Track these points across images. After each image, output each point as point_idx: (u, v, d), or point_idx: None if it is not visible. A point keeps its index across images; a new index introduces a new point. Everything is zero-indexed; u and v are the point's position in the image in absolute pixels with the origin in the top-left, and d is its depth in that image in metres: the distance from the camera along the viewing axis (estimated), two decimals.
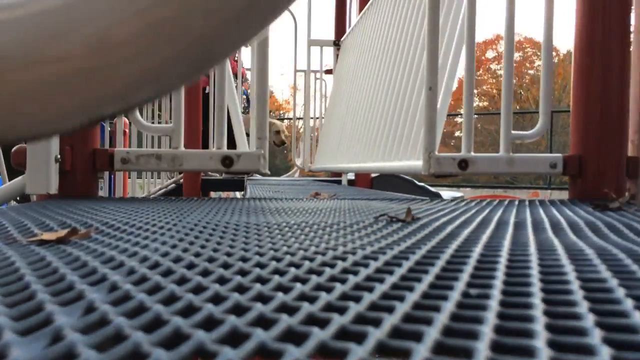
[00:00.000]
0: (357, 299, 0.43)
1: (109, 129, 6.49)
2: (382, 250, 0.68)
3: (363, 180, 5.06)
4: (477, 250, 0.68)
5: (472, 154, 1.76)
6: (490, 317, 0.38)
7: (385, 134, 2.75)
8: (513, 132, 1.79)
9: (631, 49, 1.78)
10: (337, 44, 5.64)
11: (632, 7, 1.78)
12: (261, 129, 1.74)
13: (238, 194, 4.34)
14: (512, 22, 1.80)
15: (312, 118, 6.22)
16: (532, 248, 0.70)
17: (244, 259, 0.62)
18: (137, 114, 1.75)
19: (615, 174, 1.73)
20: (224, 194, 5.70)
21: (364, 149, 3.25)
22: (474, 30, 1.75)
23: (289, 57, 5.78)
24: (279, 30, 6.00)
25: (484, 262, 0.60)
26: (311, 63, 5.71)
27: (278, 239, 0.79)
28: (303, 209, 1.35)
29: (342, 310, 0.40)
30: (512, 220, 1.09)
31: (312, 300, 0.43)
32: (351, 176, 4.92)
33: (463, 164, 1.74)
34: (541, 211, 1.30)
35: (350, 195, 2.42)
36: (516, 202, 1.61)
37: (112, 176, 5.25)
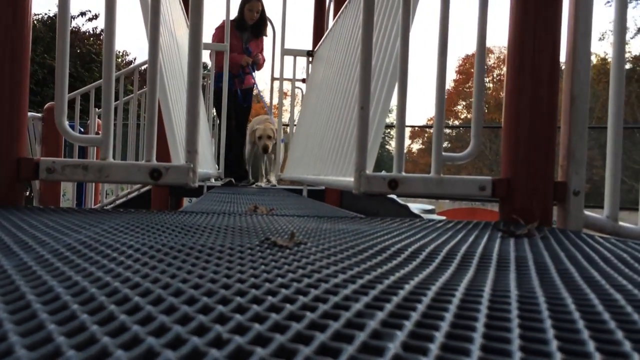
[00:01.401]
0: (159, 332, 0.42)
1: (82, 130, 6.43)
2: (228, 279, 0.67)
3: (331, 192, 5.06)
4: (336, 281, 0.67)
5: (403, 174, 1.76)
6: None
7: (335, 148, 2.75)
8: (444, 154, 1.80)
9: (562, 76, 1.80)
10: (310, 54, 5.65)
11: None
12: (191, 142, 1.73)
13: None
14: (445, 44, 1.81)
15: (285, 125, 6.21)
16: (385, 282, 0.70)
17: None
18: (66, 124, 1.71)
19: (542, 198, 1.75)
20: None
21: (319, 161, 3.25)
22: (407, 55, 1.76)
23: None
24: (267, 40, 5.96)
25: (319, 299, 0.59)
26: (292, 72, 5.72)
27: (141, 262, 0.78)
28: (213, 227, 1.34)
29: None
30: (409, 249, 1.09)
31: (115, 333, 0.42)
32: (322, 187, 4.91)
33: (393, 183, 1.74)
34: (445, 238, 1.31)
35: (291, 209, 2.41)
36: (438, 225, 1.61)
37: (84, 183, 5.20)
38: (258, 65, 5.88)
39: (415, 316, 0.54)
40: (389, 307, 0.57)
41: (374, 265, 0.86)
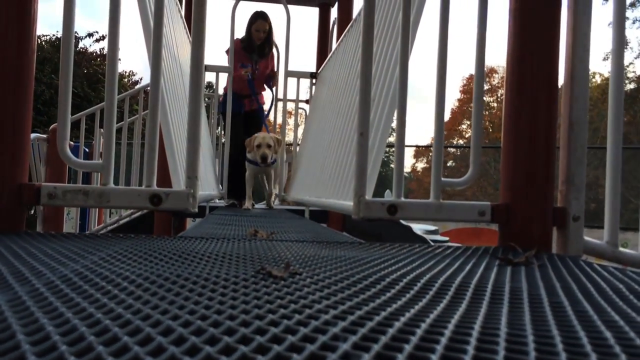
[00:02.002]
0: None
1: (87, 150, 6.47)
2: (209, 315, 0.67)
3: (334, 213, 5.05)
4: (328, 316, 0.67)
5: (402, 199, 1.76)
6: None
7: (336, 171, 2.76)
8: (444, 179, 1.80)
9: (561, 100, 1.81)
10: (314, 75, 5.70)
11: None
12: (191, 169, 1.74)
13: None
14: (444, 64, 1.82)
15: (287, 145, 6.24)
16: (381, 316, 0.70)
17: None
18: (67, 150, 1.73)
19: (541, 224, 1.75)
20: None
21: (320, 184, 3.25)
22: (405, 83, 1.78)
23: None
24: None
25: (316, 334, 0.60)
26: (296, 93, 5.77)
27: (136, 295, 0.78)
28: (211, 254, 1.34)
29: None
30: (404, 279, 1.09)
31: None
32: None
33: (392, 209, 1.75)
34: (442, 267, 1.30)
35: (291, 232, 2.41)
36: (437, 252, 1.61)
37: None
38: (273, 81, 5.76)
39: (401, 358, 0.54)
40: (375, 347, 0.58)
41: (367, 298, 0.86)
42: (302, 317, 0.70)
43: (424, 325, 0.68)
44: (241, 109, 5.48)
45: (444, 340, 0.62)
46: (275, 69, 5.84)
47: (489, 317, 0.76)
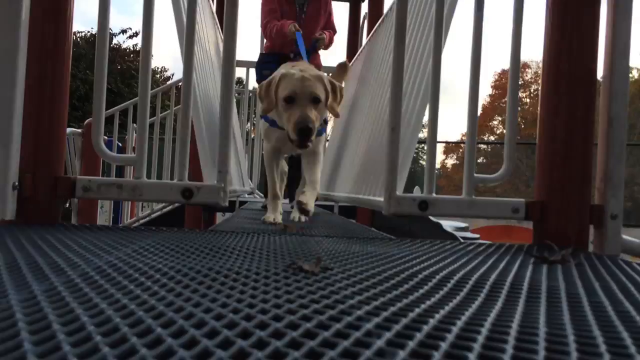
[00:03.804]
0: None
1: (120, 145, 6.60)
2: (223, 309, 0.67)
3: (363, 209, 5.03)
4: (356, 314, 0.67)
5: (433, 195, 1.74)
6: None
7: (366, 166, 2.74)
8: (477, 175, 1.77)
9: (599, 96, 1.76)
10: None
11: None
12: (222, 163, 1.75)
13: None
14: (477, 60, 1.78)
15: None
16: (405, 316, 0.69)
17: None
18: (102, 144, 1.76)
19: (578, 222, 1.70)
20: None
21: (350, 179, 3.24)
22: (438, 78, 1.75)
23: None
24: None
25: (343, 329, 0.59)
26: None
27: (169, 287, 0.79)
28: (241, 248, 1.34)
29: None
30: (426, 275, 1.07)
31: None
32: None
33: (423, 205, 1.73)
34: (475, 264, 1.28)
35: (321, 228, 2.40)
36: (469, 249, 1.59)
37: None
38: (322, 43, 3.94)
39: (437, 356, 0.53)
40: (410, 344, 0.56)
41: (399, 294, 0.85)
42: (335, 313, 0.69)
43: (459, 323, 0.67)
44: None
45: (480, 338, 0.60)
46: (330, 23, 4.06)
47: (526, 316, 0.74)
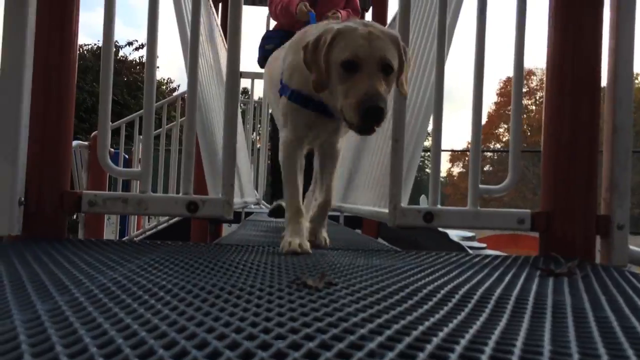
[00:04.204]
0: None
1: (127, 157, 6.62)
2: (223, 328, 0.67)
3: (369, 220, 5.01)
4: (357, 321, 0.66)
5: (438, 207, 1.74)
6: None
7: (370, 176, 2.74)
8: (481, 186, 1.77)
9: (603, 108, 1.75)
10: None
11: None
12: (227, 177, 1.75)
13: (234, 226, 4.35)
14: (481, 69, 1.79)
15: None
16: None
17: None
18: (107, 159, 1.77)
19: (584, 232, 1.69)
20: None
21: (355, 189, 3.24)
22: (442, 89, 1.75)
23: None
24: None
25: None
26: None
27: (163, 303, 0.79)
28: (246, 263, 1.34)
29: None
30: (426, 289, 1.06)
31: None
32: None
33: (428, 216, 1.72)
34: (480, 277, 1.27)
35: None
36: (475, 261, 1.58)
37: None
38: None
39: None
40: None
41: (403, 311, 0.84)
42: (338, 331, 0.69)
43: (463, 342, 0.66)
44: None
45: (484, 358, 0.60)
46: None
47: (531, 333, 0.73)
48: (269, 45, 2.87)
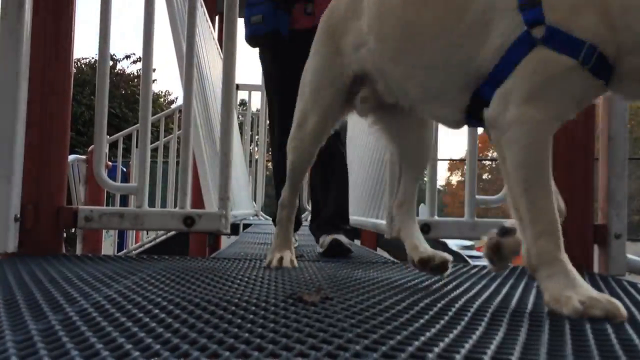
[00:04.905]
0: None
1: (124, 170, 6.62)
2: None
3: (368, 231, 4.99)
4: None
5: (435, 218, 1.73)
6: None
7: (368, 188, 2.74)
8: (478, 197, 1.76)
9: (599, 114, 1.76)
10: None
11: None
12: (224, 190, 1.75)
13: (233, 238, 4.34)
14: None
15: None
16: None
17: None
18: (103, 174, 1.77)
19: (581, 242, 1.69)
20: None
21: (353, 200, 3.23)
22: None
23: None
24: None
25: None
26: None
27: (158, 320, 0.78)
28: (242, 277, 1.34)
29: None
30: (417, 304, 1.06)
31: None
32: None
33: (425, 228, 1.72)
34: (477, 289, 1.27)
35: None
36: (472, 272, 1.57)
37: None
38: None
39: None
40: None
41: (399, 325, 0.84)
42: (332, 349, 0.69)
43: (458, 357, 0.66)
44: (284, 27, 2.32)
45: None
46: None
47: (527, 347, 0.73)
48: (255, 17, 2.31)
